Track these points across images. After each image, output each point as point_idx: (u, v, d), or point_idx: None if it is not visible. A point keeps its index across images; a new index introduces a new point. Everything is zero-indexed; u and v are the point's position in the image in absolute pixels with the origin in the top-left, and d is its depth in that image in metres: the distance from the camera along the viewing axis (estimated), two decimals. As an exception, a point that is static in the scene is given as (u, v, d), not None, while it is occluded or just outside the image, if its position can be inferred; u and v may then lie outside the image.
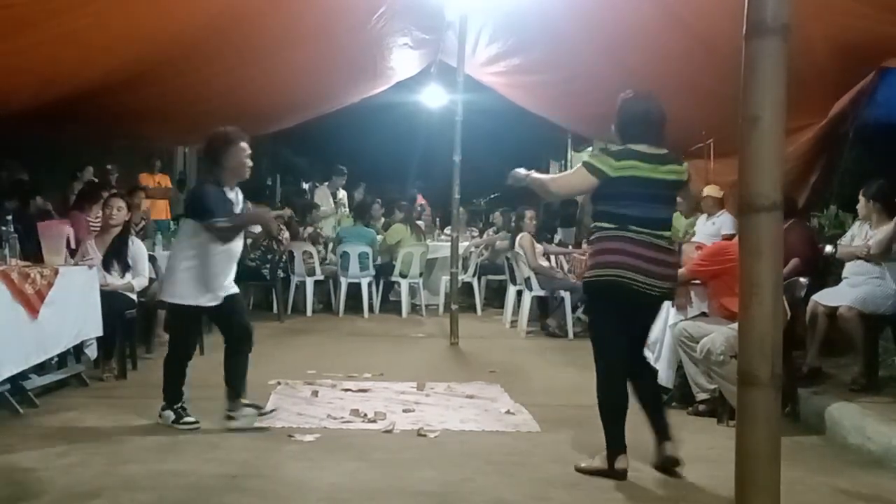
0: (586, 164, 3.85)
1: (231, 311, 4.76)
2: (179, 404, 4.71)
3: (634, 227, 3.76)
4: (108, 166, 10.07)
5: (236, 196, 4.76)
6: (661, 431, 3.97)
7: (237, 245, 4.75)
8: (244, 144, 4.65)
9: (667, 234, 3.92)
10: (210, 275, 4.63)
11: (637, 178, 3.77)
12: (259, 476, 3.81)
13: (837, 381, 5.48)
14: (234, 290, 4.80)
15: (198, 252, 4.61)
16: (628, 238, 3.76)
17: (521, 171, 4.19)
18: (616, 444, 3.84)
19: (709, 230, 7.92)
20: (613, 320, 3.87)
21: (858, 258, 5.71)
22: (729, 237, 5.53)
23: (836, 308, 5.52)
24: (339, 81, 9.11)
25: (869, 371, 5.38)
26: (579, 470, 3.94)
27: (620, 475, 3.82)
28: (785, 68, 2.15)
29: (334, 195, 11.90)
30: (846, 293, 5.60)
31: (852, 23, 5.00)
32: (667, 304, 5.35)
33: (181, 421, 4.65)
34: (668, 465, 3.92)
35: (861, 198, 5.89)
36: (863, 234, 5.85)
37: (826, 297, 5.66)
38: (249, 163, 4.71)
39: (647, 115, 3.89)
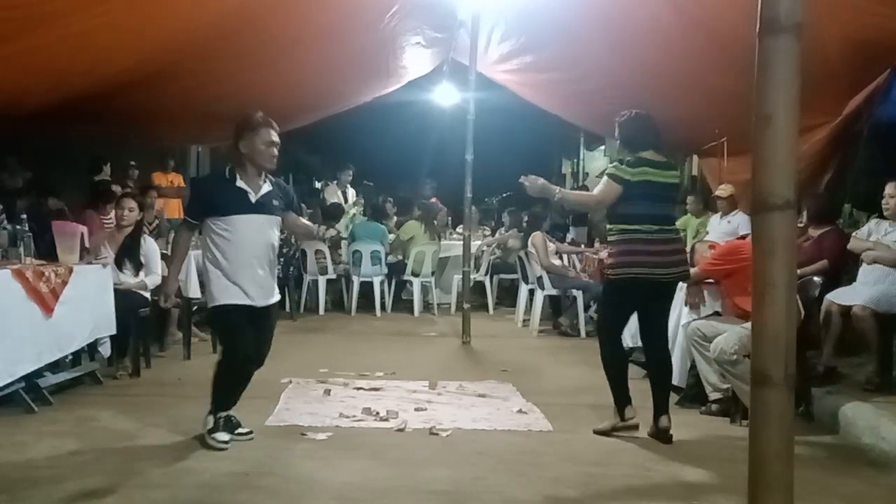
0: (610, 176, 4.53)
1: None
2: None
3: (647, 224, 4.46)
4: (132, 162, 10.12)
5: (259, 185, 4.31)
6: (659, 406, 4.58)
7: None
8: (266, 131, 4.26)
9: (673, 227, 4.75)
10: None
11: (648, 182, 4.49)
12: (271, 474, 3.83)
13: (851, 380, 5.45)
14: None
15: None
16: (643, 239, 4.46)
17: (541, 182, 4.65)
18: (621, 399, 4.60)
19: (723, 229, 7.89)
20: (625, 309, 4.66)
21: (869, 253, 5.61)
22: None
23: (850, 307, 5.48)
24: (352, 81, 9.11)
25: (883, 370, 5.34)
26: (597, 431, 4.61)
27: (631, 424, 4.55)
28: (798, 66, 2.14)
29: (344, 193, 11.90)
30: (860, 292, 5.56)
31: (866, 21, 4.97)
32: (680, 304, 5.37)
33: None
34: (661, 435, 4.49)
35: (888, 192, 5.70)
36: (881, 231, 5.76)
37: (840, 297, 5.62)
38: (271, 151, 4.28)
39: (650, 126, 4.63)
